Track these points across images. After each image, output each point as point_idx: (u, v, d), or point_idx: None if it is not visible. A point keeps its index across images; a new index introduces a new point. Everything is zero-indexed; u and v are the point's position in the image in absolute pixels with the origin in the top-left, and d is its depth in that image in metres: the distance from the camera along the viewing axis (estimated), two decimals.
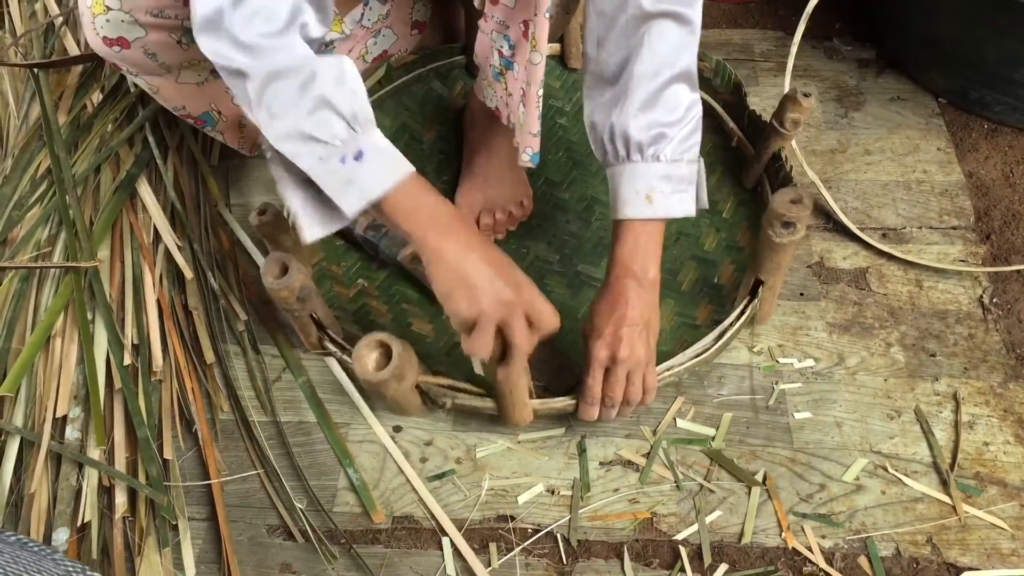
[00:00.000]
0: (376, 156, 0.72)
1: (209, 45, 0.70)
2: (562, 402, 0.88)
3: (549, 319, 0.78)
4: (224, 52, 0.69)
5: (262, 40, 0.68)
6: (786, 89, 1.00)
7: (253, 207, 1.17)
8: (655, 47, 0.78)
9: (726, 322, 0.91)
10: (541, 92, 0.88)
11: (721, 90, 1.14)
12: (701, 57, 1.14)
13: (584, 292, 1.04)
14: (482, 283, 0.74)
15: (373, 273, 1.08)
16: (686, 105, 0.81)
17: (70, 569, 0.62)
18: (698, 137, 0.83)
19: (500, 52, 0.92)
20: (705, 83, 1.15)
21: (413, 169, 0.74)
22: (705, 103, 1.16)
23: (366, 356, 0.78)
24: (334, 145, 0.70)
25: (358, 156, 0.70)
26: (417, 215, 0.74)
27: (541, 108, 0.89)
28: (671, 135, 0.80)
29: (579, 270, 1.06)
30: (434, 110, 1.22)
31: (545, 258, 1.08)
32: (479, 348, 0.75)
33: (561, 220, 1.11)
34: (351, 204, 0.71)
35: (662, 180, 0.81)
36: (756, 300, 0.92)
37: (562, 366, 0.96)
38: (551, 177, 1.15)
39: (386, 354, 0.78)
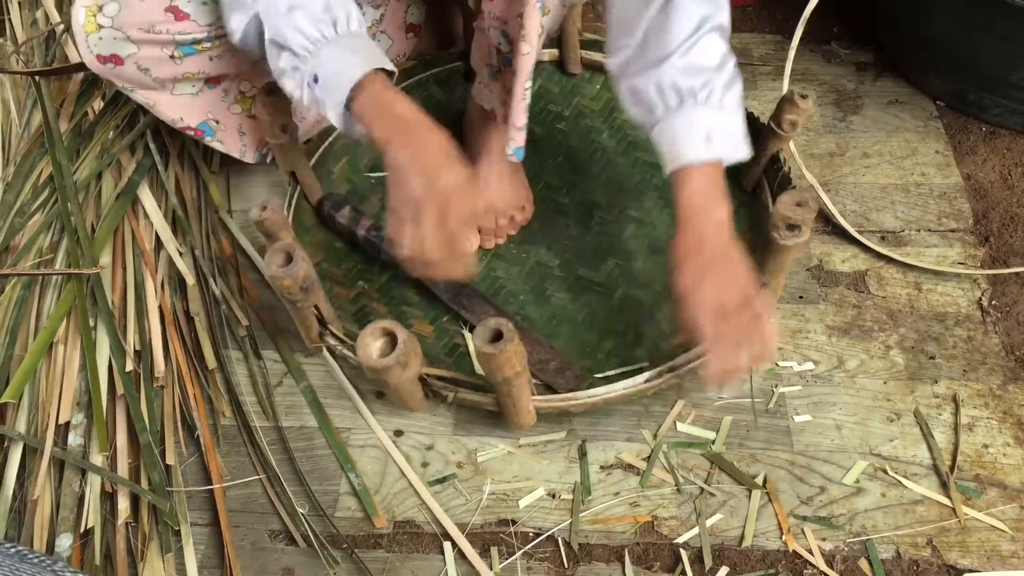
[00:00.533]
0: (327, 78, 0.78)
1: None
2: (565, 401, 0.88)
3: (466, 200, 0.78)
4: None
5: None
6: (784, 93, 1.01)
7: None
8: (688, 7, 0.80)
9: None
10: (529, 85, 0.88)
11: None
12: None
13: (584, 296, 1.05)
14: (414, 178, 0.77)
15: (374, 275, 1.08)
16: (721, 54, 0.82)
17: None
18: (739, 86, 0.84)
19: (498, 49, 0.92)
20: None
21: (365, 71, 0.77)
22: None
23: (371, 344, 0.78)
24: (299, 76, 0.79)
25: (314, 80, 0.78)
26: (378, 122, 0.78)
27: (528, 101, 0.89)
28: (715, 81, 0.81)
29: (579, 275, 1.07)
30: (433, 115, 1.21)
31: (545, 263, 1.08)
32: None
33: (561, 224, 1.11)
34: (333, 119, 0.80)
35: (718, 122, 0.82)
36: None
37: (562, 367, 0.96)
38: (551, 182, 1.16)
39: (391, 342, 0.78)
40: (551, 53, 1.25)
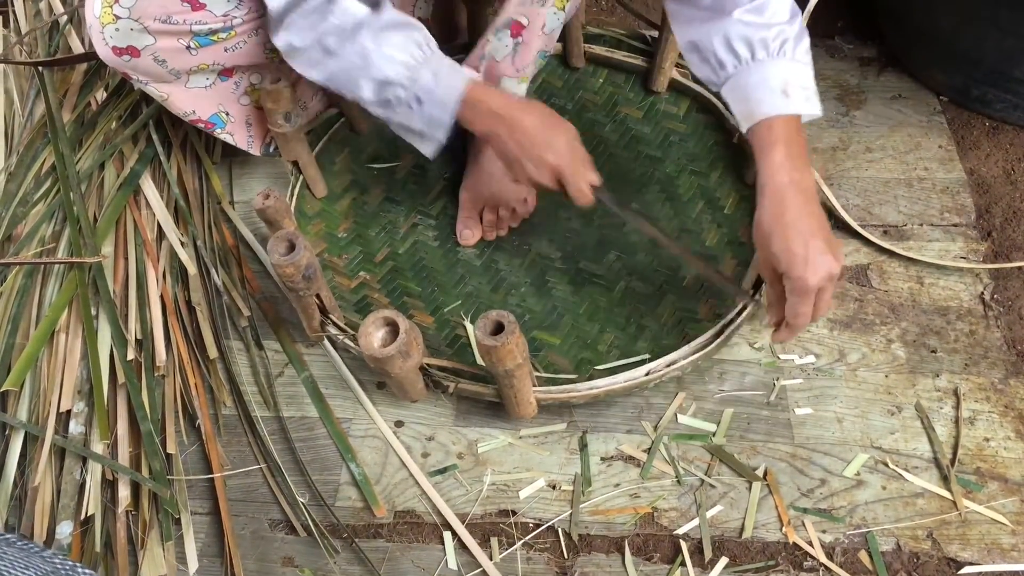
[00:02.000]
0: (429, 96, 0.86)
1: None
2: (566, 393, 0.88)
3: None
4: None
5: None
6: None
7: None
8: None
9: (728, 316, 0.92)
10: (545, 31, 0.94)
11: None
12: None
13: (585, 289, 1.05)
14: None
15: (375, 266, 1.08)
16: (791, 7, 0.82)
17: (58, 565, 0.62)
18: (807, 40, 0.84)
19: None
20: None
21: (465, 84, 0.86)
22: (706, 100, 1.16)
23: (373, 333, 0.78)
24: (402, 104, 0.87)
25: (418, 101, 0.87)
26: (475, 123, 0.88)
27: (536, 54, 0.96)
28: (787, 33, 0.81)
29: (581, 267, 1.07)
30: None
31: (547, 255, 1.08)
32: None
33: (563, 217, 1.11)
34: (438, 134, 0.90)
35: (793, 74, 0.81)
36: (759, 295, 0.93)
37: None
38: None
39: (393, 332, 0.79)
40: (555, 47, 1.25)
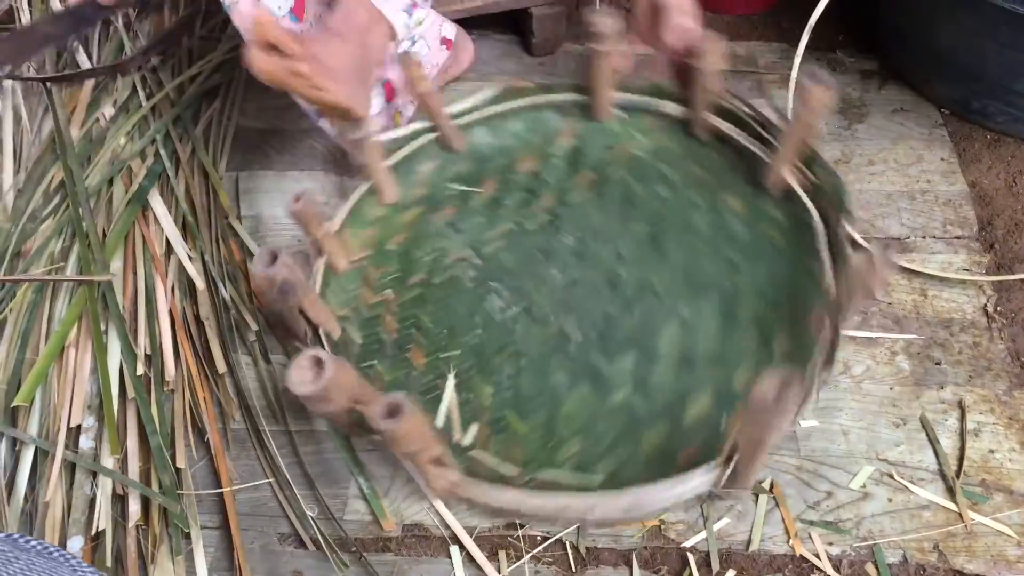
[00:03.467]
0: None
1: None
2: (479, 499, 0.75)
3: None
4: None
5: None
6: (790, 102, 1.01)
7: (263, 219, 1.19)
8: None
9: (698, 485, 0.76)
10: None
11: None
12: None
13: (581, 386, 0.91)
14: None
15: (404, 288, 1.00)
16: None
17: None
18: None
19: None
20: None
21: None
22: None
23: (298, 373, 0.69)
24: None
25: None
26: None
27: None
28: None
29: (590, 359, 0.93)
30: None
31: (567, 334, 0.94)
32: None
33: (605, 299, 0.97)
34: None
35: None
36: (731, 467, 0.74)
37: None
38: (622, 251, 1.00)
39: (320, 372, 0.69)
40: (682, 111, 1.02)
